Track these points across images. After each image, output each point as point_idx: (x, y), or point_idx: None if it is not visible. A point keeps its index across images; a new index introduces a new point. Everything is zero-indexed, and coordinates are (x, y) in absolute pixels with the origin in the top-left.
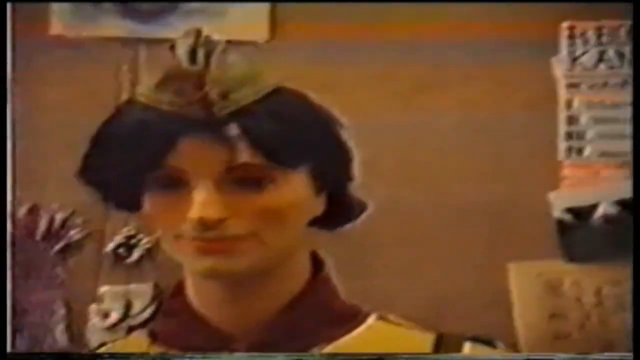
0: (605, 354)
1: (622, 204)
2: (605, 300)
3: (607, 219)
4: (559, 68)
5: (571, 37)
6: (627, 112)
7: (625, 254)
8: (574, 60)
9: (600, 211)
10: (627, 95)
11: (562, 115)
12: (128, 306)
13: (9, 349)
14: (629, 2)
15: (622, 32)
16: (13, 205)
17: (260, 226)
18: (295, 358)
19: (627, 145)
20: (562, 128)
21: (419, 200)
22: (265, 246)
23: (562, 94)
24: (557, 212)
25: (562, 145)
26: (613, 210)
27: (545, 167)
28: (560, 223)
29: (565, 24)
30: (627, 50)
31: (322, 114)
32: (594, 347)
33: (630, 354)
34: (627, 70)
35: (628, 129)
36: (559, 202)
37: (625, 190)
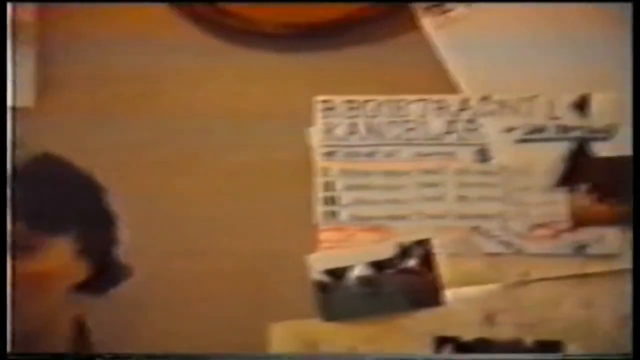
0: (606, 353)
1: (375, 265)
2: None
3: (361, 280)
4: (315, 138)
5: (325, 109)
6: (379, 179)
7: (380, 311)
8: (329, 131)
9: (355, 272)
10: (376, 164)
11: (319, 181)
12: None
13: (9, 348)
14: (629, 2)
15: (370, 106)
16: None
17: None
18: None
19: (379, 210)
20: (319, 194)
21: (186, 265)
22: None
23: (319, 161)
24: (316, 274)
25: (319, 209)
26: (367, 271)
27: (304, 231)
28: (319, 284)
29: (319, 98)
30: (375, 122)
31: (86, 180)
32: None
33: (630, 354)
34: (373, 142)
35: (379, 194)
36: (317, 264)
37: (379, 252)
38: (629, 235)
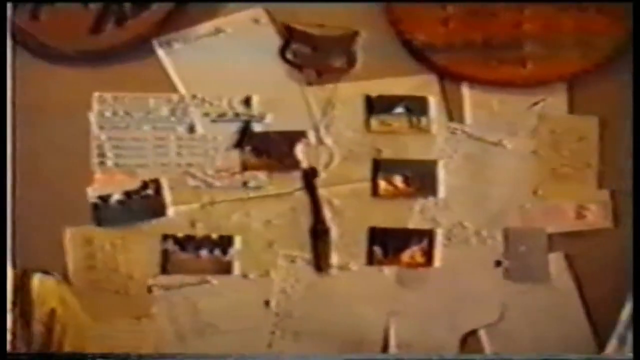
0: (606, 354)
1: (127, 193)
2: None
3: (119, 202)
4: (92, 118)
5: (100, 101)
6: (131, 143)
7: (130, 220)
8: (101, 114)
9: (115, 197)
10: (127, 133)
11: (94, 143)
12: None
13: (9, 348)
14: (629, 2)
15: (127, 98)
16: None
17: None
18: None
19: (130, 161)
20: (95, 151)
21: None
22: None
23: (94, 131)
24: (92, 199)
25: (93, 161)
26: (123, 197)
27: (85, 174)
28: (94, 205)
29: (96, 94)
30: (130, 107)
31: None
32: None
33: (630, 354)
34: (127, 120)
35: (131, 152)
36: (92, 193)
37: (129, 185)
38: (280, 174)
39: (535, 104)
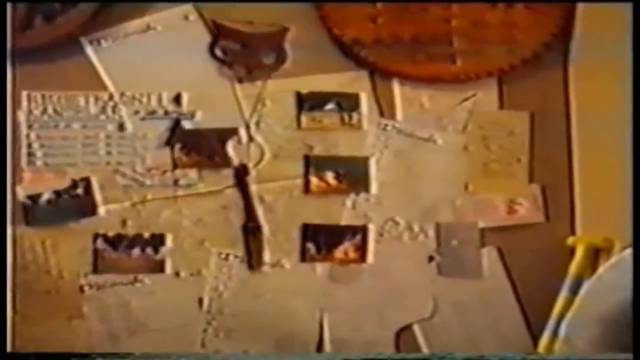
0: (606, 354)
1: (57, 193)
2: None
3: (48, 201)
4: (21, 117)
5: (29, 100)
6: (60, 142)
7: (59, 220)
8: (31, 112)
9: (44, 197)
10: (53, 133)
11: (24, 143)
12: None
13: (9, 348)
14: (629, 2)
15: (55, 97)
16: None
17: None
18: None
19: (57, 160)
20: (23, 150)
21: None
22: None
23: (23, 131)
24: (22, 198)
25: (23, 160)
26: (52, 196)
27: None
28: (23, 205)
29: (24, 92)
30: (60, 107)
31: None
32: None
33: (630, 354)
34: (56, 118)
35: (58, 151)
36: (22, 193)
37: (59, 185)
38: (211, 172)
39: (466, 99)
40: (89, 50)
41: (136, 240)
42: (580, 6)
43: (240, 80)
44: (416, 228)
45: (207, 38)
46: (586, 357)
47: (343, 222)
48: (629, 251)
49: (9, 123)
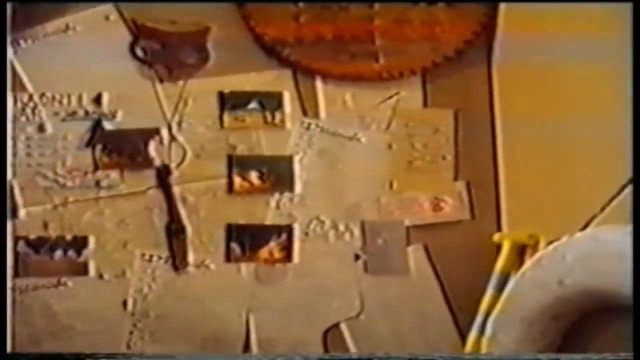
0: (606, 354)
1: None
2: None
3: None
4: None
5: None
6: None
7: None
8: None
9: None
10: None
11: None
12: None
13: (9, 349)
14: (629, 2)
15: None
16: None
17: None
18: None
19: None
20: None
21: None
22: None
23: None
24: None
25: None
26: None
27: None
28: None
29: None
30: None
31: None
32: None
33: (631, 355)
34: None
35: None
36: None
37: None
38: (133, 173)
39: (389, 97)
40: (8, 50)
41: (58, 243)
42: (502, 5)
43: (161, 80)
44: (341, 227)
45: (127, 38)
46: (586, 356)
47: (268, 222)
48: (552, 247)
49: None
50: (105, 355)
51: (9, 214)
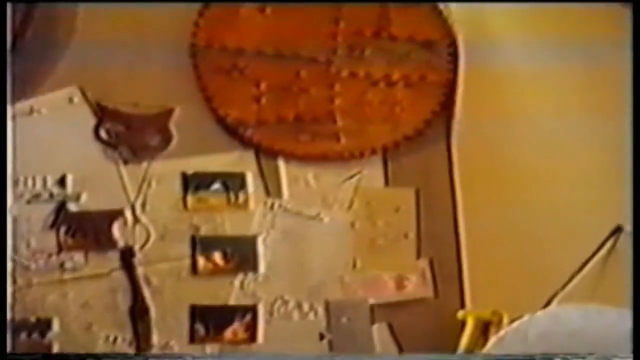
0: (606, 354)
1: None
2: None
3: None
4: None
5: None
6: None
7: None
8: None
9: None
10: None
11: None
12: None
13: (9, 349)
14: (629, 2)
15: None
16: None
17: None
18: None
19: None
20: None
21: None
22: None
23: None
24: None
25: None
26: None
27: None
28: None
29: None
30: None
31: None
32: None
33: (630, 355)
34: None
35: None
36: None
37: None
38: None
39: (351, 177)
40: None
41: (22, 325)
42: (460, 84)
43: (125, 162)
44: (306, 306)
45: (91, 120)
46: (586, 356)
47: (232, 302)
48: (516, 324)
49: None
50: (105, 355)
51: None
